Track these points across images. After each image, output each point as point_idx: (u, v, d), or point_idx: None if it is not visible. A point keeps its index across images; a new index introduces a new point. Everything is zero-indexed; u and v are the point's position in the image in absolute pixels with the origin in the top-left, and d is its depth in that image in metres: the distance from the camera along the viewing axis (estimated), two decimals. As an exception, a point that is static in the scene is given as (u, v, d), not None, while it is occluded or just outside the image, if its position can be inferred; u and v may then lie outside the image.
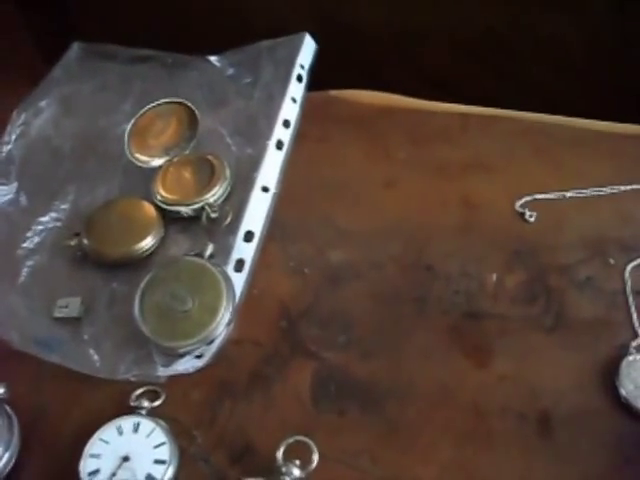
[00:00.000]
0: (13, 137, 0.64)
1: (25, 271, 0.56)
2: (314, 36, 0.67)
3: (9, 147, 0.63)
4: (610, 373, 0.47)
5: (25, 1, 0.84)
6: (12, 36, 0.87)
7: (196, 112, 0.60)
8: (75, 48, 0.71)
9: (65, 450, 0.46)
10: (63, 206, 0.59)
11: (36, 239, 0.57)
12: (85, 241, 0.55)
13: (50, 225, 0.58)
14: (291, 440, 0.44)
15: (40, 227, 0.58)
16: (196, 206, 0.57)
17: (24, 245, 0.57)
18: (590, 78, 0.73)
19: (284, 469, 0.43)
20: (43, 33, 0.85)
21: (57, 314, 0.53)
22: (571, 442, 0.45)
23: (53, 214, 0.59)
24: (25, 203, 0.60)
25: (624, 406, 0.45)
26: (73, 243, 0.56)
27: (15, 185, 0.61)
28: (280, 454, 0.44)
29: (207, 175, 0.58)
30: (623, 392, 0.46)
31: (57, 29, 0.84)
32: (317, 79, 0.66)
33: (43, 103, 0.67)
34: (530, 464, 0.44)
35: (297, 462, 0.43)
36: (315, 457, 0.43)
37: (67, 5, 0.84)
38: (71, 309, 0.53)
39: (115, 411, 0.47)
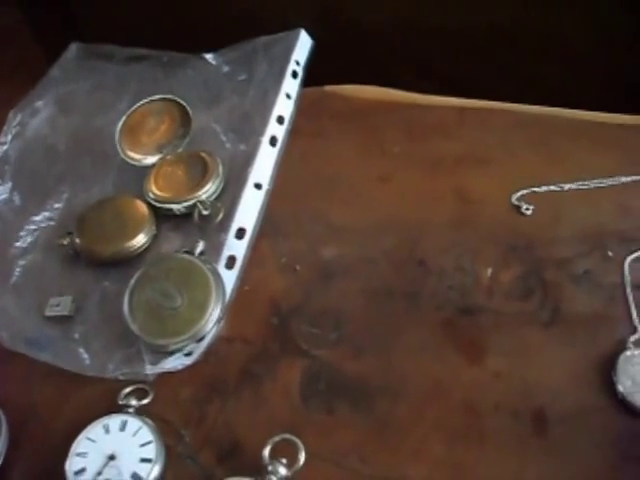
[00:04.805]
0: (9, 137, 0.64)
1: (18, 270, 0.56)
2: (313, 32, 0.66)
3: (5, 147, 0.63)
4: (607, 369, 0.46)
5: (27, 2, 0.84)
6: (15, 37, 0.88)
7: (188, 109, 0.59)
8: (73, 48, 0.71)
9: (54, 448, 0.46)
10: (57, 205, 0.59)
11: (29, 238, 0.57)
12: (77, 240, 0.55)
13: (43, 224, 0.58)
14: (277, 438, 0.43)
15: (33, 226, 0.58)
16: (188, 203, 0.56)
17: (17, 244, 0.57)
18: (591, 72, 0.72)
19: (270, 468, 0.42)
20: (45, 33, 0.85)
21: (48, 313, 0.53)
22: (567, 440, 0.44)
23: (46, 213, 0.59)
24: (19, 203, 0.60)
25: (621, 402, 0.44)
26: (65, 242, 0.56)
27: (9, 185, 0.61)
28: (266, 453, 0.43)
29: (200, 172, 0.58)
30: (620, 388, 0.44)
31: (59, 29, 0.84)
32: (317, 75, 0.66)
33: (40, 103, 0.67)
34: (524, 462, 0.43)
35: (284, 461, 0.43)
36: (302, 456, 0.43)
37: (69, 6, 0.84)
38: (62, 308, 0.53)
39: (105, 409, 0.47)
